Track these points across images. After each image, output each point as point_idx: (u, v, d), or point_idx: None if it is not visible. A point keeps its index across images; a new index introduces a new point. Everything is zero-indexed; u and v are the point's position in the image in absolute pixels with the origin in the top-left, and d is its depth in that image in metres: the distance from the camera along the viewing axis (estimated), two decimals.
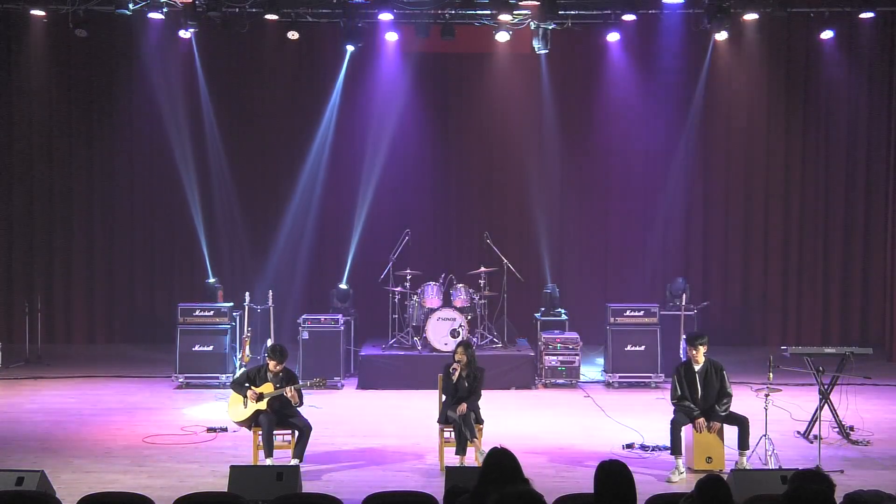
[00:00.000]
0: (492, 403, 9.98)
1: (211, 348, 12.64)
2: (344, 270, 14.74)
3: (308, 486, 8.14)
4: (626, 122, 15.40)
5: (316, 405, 10.75)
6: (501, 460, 5.06)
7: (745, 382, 11.64)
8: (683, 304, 12.87)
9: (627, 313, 12.94)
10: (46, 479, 7.43)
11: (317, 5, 13.40)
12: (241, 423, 9.07)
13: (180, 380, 12.60)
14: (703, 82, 15.08)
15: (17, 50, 15.21)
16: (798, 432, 10.15)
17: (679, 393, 9.02)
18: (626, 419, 10.75)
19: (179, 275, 15.64)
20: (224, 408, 9.59)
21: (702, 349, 9.05)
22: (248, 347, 13.06)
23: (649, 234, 15.56)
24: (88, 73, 15.40)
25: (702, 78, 15.04)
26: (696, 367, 9.05)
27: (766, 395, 8.91)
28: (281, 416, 8.85)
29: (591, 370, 13.37)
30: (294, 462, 8.55)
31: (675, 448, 8.82)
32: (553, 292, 13.86)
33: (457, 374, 9.09)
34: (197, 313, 12.83)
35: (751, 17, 13.23)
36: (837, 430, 10.01)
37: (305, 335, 12.70)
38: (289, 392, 8.78)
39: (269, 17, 13.36)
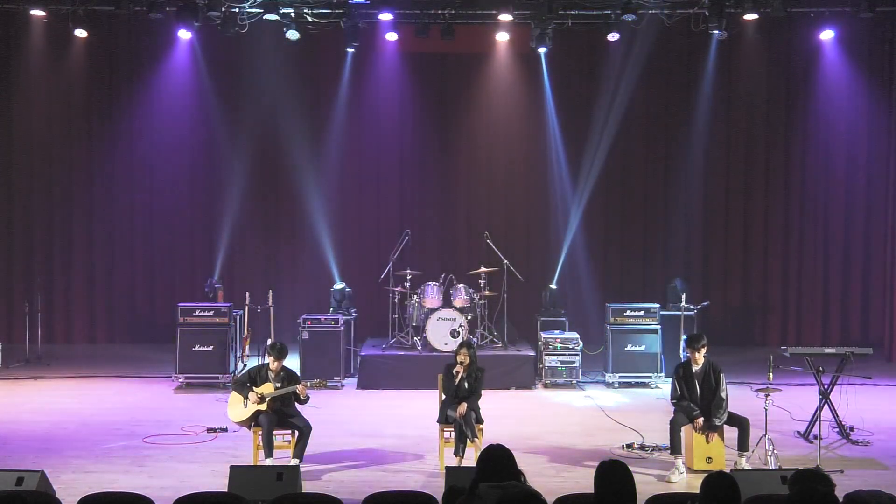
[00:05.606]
0: (492, 403, 9.98)
1: (211, 348, 12.63)
2: (344, 270, 14.76)
3: (308, 486, 8.13)
4: (625, 121, 15.39)
5: (316, 405, 10.73)
6: (497, 455, 5.12)
7: (745, 382, 11.69)
8: (683, 304, 12.85)
9: (627, 313, 12.95)
10: (46, 479, 7.41)
11: (317, 5, 13.40)
12: (241, 423, 9.07)
13: (180, 380, 12.59)
14: (702, 82, 15.11)
15: (17, 50, 15.22)
16: (798, 432, 10.14)
17: (679, 393, 9.02)
18: (626, 419, 10.75)
19: (179, 275, 15.64)
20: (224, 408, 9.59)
21: (702, 351, 9.06)
22: (248, 347, 13.09)
23: (649, 234, 15.57)
24: (88, 73, 15.39)
25: (701, 78, 15.07)
26: (695, 368, 9.05)
27: (766, 395, 8.91)
28: (281, 416, 8.85)
29: (592, 370, 13.35)
30: (294, 462, 8.54)
31: (674, 448, 8.81)
32: (553, 292, 13.87)
33: (459, 376, 9.07)
34: (197, 313, 12.80)
35: (751, 17, 13.24)
36: (837, 430, 10.00)
37: (305, 335, 12.68)
38: (301, 387, 8.81)
39: (269, 17, 13.37)
